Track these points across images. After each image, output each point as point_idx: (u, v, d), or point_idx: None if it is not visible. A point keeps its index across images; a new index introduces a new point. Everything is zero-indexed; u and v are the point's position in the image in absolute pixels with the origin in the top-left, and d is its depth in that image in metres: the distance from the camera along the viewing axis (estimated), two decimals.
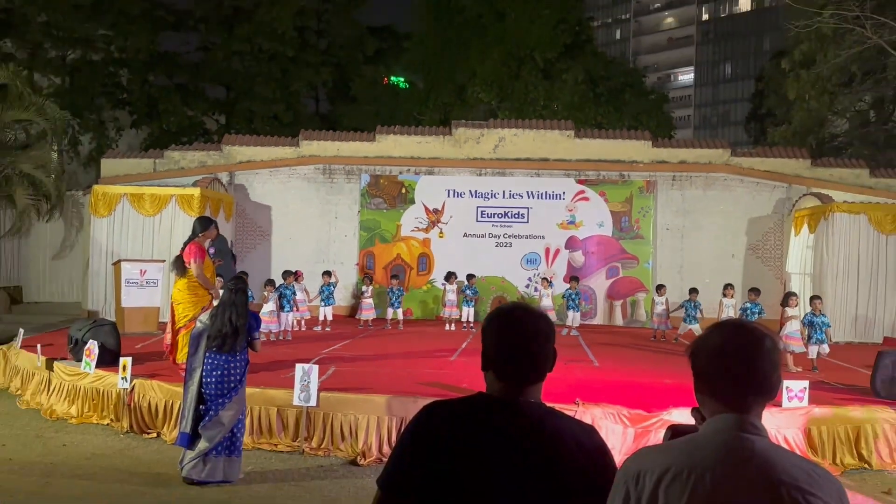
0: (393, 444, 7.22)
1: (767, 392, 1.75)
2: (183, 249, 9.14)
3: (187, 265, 8.96)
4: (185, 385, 6.67)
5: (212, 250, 12.30)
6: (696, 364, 1.82)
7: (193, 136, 27.30)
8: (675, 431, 2.05)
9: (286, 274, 13.28)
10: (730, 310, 12.85)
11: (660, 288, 14.40)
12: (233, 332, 6.47)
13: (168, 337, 9.40)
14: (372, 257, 17.10)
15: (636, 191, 16.71)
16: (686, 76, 79.43)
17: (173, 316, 9.14)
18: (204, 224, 9.25)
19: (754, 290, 12.47)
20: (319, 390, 7.57)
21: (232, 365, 6.48)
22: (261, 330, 11.51)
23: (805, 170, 16.38)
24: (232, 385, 6.48)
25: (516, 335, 2.05)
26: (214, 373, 6.45)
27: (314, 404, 7.51)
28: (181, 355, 8.65)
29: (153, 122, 27.05)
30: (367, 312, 14.52)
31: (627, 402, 7.69)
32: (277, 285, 12.84)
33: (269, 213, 17.19)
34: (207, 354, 6.49)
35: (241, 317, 6.53)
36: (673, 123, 30.41)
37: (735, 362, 1.75)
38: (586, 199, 16.80)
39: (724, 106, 74.71)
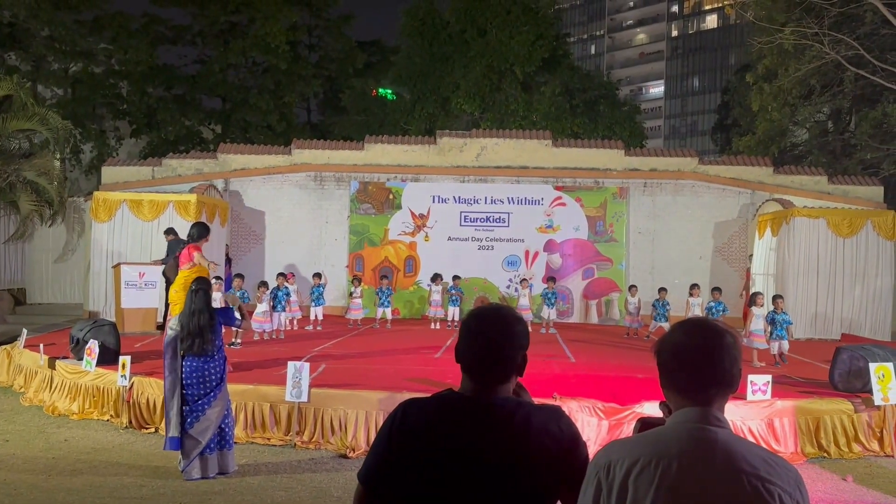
0: None
1: (728, 385, 1.75)
2: (179, 253, 9.07)
3: (182, 266, 8.83)
4: (166, 390, 6.52)
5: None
6: (661, 360, 1.82)
7: (190, 145, 27.28)
8: (644, 424, 2.06)
9: (277, 276, 13.29)
10: (696, 308, 12.93)
11: (632, 288, 14.50)
12: (198, 332, 6.27)
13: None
14: (361, 260, 17.09)
15: (610, 197, 16.80)
16: (657, 89, 79.93)
17: (167, 316, 9.07)
18: (201, 231, 9.10)
19: (717, 290, 12.71)
20: (310, 387, 7.54)
21: (210, 366, 6.35)
22: (253, 328, 11.60)
23: (768, 177, 16.52)
24: (213, 384, 6.37)
25: (490, 338, 2.01)
26: (194, 375, 6.32)
27: (305, 400, 7.48)
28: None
29: (152, 132, 26.97)
30: (356, 312, 14.49)
31: (602, 395, 7.71)
32: (271, 287, 12.82)
33: (262, 218, 17.16)
34: (185, 359, 6.35)
35: (203, 317, 6.33)
36: (644, 133, 30.53)
37: (697, 358, 1.75)
38: (563, 204, 16.89)
39: (693, 117, 75.25)
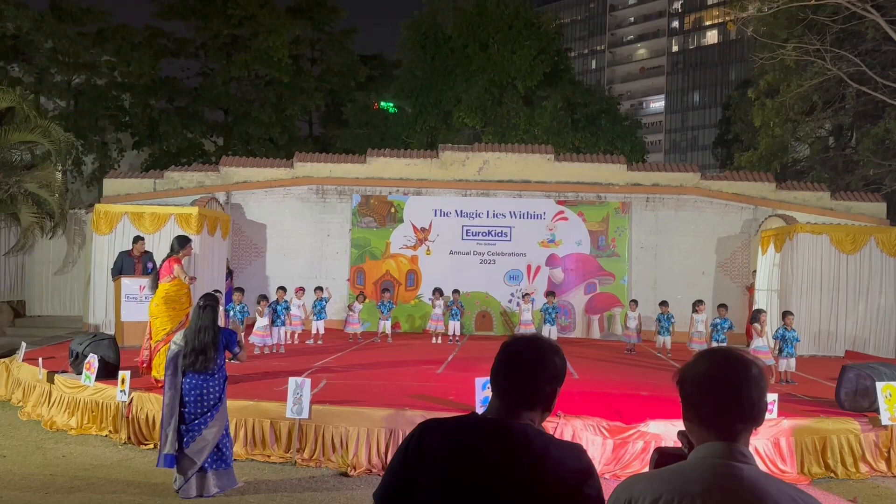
0: (382, 456, 7.23)
1: (755, 419, 1.70)
2: (160, 266, 9.09)
3: (162, 279, 8.87)
4: (164, 407, 6.39)
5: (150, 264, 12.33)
6: (684, 392, 1.78)
7: (192, 158, 27.29)
8: (661, 454, 1.99)
9: (278, 290, 13.24)
10: (700, 325, 12.83)
11: (632, 303, 14.42)
12: (202, 349, 6.22)
13: (144, 353, 9.21)
14: (362, 273, 17.10)
15: (612, 211, 16.81)
16: (657, 103, 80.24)
17: (151, 330, 9.00)
18: (181, 242, 9.15)
19: (723, 306, 12.52)
20: (311, 403, 7.45)
21: (210, 384, 6.27)
22: (253, 343, 11.83)
23: (770, 192, 16.50)
24: (212, 403, 6.29)
25: (523, 360, 2.04)
26: (193, 392, 6.24)
27: (306, 417, 7.37)
28: (159, 371, 8.36)
29: (154, 144, 26.97)
30: (353, 326, 14.45)
31: (606, 413, 7.62)
32: (270, 301, 12.79)
33: (264, 231, 17.18)
34: (186, 375, 6.26)
35: (208, 333, 6.28)
36: (646, 148, 30.60)
37: (723, 390, 1.71)
38: (565, 219, 16.89)
39: (693, 131, 75.49)
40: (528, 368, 2.03)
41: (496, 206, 16.91)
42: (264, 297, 12.56)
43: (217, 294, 10.14)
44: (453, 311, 14.73)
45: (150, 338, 8.99)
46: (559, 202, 16.90)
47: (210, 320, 6.38)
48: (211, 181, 17.06)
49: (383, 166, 17.08)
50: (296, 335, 13.76)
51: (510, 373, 2.03)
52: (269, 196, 17.19)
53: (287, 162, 17.54)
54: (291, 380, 7.50)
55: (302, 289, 14.12)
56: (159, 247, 14.05)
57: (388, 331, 14.62)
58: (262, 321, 12.17)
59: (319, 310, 14.05)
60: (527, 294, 15.21)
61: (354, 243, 17.12)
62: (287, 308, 13.10)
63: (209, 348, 6.26)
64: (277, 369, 10.06)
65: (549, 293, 15.04)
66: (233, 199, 17.12)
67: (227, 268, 16.17)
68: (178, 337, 6.49)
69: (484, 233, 16.93)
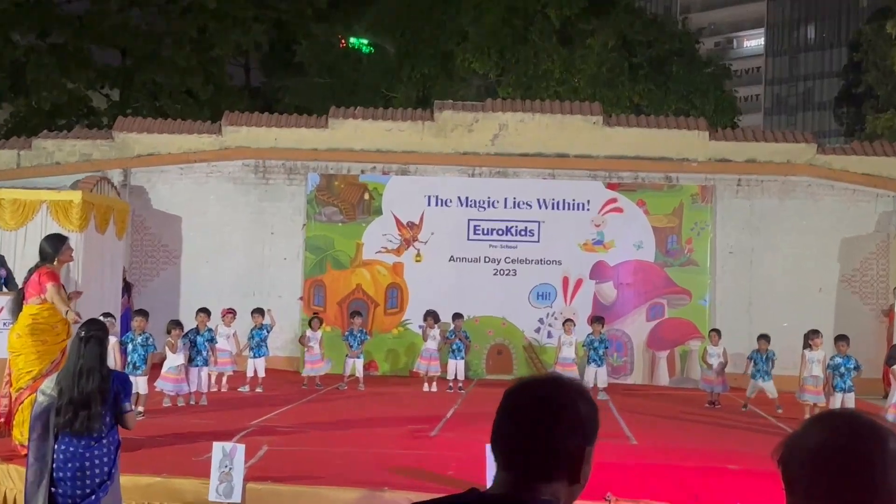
0: None
1: None
2: (26, 280, 9.00)
3: (28, 300, 8.81)
4: (27, 485, 6.24)
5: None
6: (790, 473, 1.79)
7: (75, 119, 27.14)
8: None
9: (199, 312, 13.16)
10: (815, 366, 12.76)
11: (715, 334, 14.43)
12: (83, 401, 6.10)
13: (1, 403, 9.18)
14: (322, 289, 16.95)
15: (687, 200, 16.73)
16: (754, 42, 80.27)
17: (10, 373, 8.93)
18: (54, 245, 9.14)
19: (843, 339, 12.45)
20: (246, 480, 7.41)
21: (95, 453, 6.16)
22: (162, 390, 11.72)
23: None
24: (98, 481, 6.15)
25: (529, 415, 2.04)
26: (70, 465, 6.09)
27: (237, 500, 7.31)
28: (22, 432, 8.22)
29: (18, 98, 26.82)
30: (313, 366, 14.39)
31: (677, 496, 7.61)
32: (187, 330, 12.67)
33: (178, 227, 17.14)
34: (60, 439, 6.12)
35: (93, 378, 6.18)
36: (737, 107, 30.59)
37: (844, 473, 1.71)
38: (619, 210, 16.69)
39: (806, 83, 75.59)
40: (540, 420, 2.01)
41: (518, 190, 16.72)
42: (177, 324, 12.43)
43: (107, 320, 9.96)
44: (455, 346, 14.61)
45: (10, 383, 8.88)
46: (610, 185, 16.73)
47: (96, 359, 6.29)
48: (101, 153, 16.96)
49: (353, 132, 16.95)
50: (224, 378, 13.67)
51: (514, 428, 2.03)
52: (187, 175, 17.12)
53: (213, 126, 17.43)
54: (217, 446, 7.46)
55: (232, 311, 14.02)
56: (23, 250, 13.91)
57: (360, 373, 14.52)
58: (174, 359, 12.02)
59: (258, 342, 13.95)
60: (568, 320, 15.08)
61: (311, 245, 17.01)
62: (212, 339, 13.01)
63: (94, 400, 6.14)
64: (197, 430, 9.96)
65: (596, 319, 14.90)
66: (133, 178, 17.05)
67: (124, 280, 15.99)
68: (48, 383, 6.39)
69: (500, 230, 16.76)
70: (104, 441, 6.23)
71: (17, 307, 8.92)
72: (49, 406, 6.23)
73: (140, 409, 11.06)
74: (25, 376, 8.71)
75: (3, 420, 9.08)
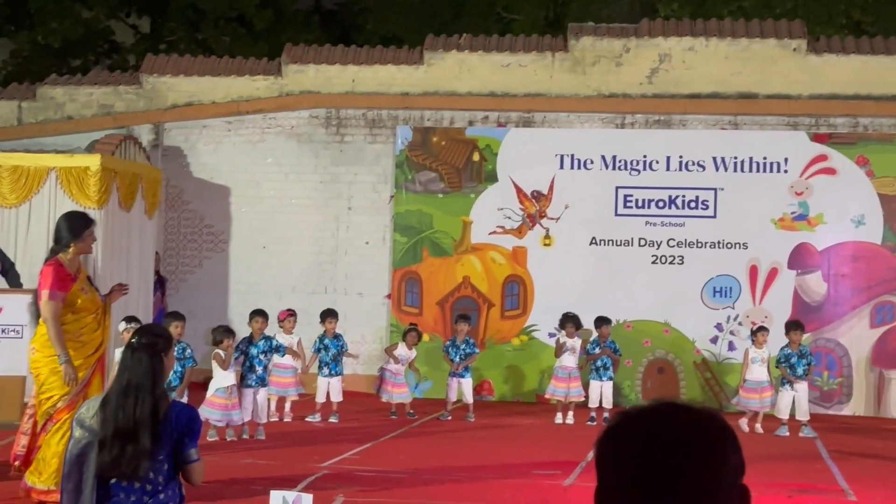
0: None
1: None
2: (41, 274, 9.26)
3: (42, 300, 8.81)
4: None
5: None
6: None
7: (92, 58, 26.82)
8: None
9: (255, 315, 12.71)
10: None
11: None
12: (131, 432, 5.54)
13: (20, 440, 8.97)
14: (416, 284, 16.25)
15: None
16: None
17: (35, 395, 9.03)
18: (74, 226, 8.90)
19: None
20: None
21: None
22: (208, 419, 11.65)
23: None
24: None
25: (646, 464, 1.80)
26: None
27: None
28: (40, 474, 8.32)
29: (19, 33, 26.00)
30: (397, 391, 13.86)
31: None
32: (238, 339, 12.53)
33: (225, 201, 16.73)
34: (105, 489, 5.64)
35: (142, 399, 5.63)
36: None
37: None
38: (831, 170, 15.39)
39: None
40: (674, 478, 1.78)
41: (686, 146, 15.67)
42: (227, 332, 12.24)
43: (130, 327, 10.38)
44: (600, 362, 13.84)
45: (36, 409, 8.81)
46: (817, 137, 15.47)
47: (147, 375, 5.78)
48: (126, 103, 16.77)
49: (457, 70, 16.32)
50: (287, 404, 13.51)
51: (635, 489, 1.81)
52: (237, 132, 16.60)
53: (271, 65, 16.97)
54: (276, 495, 7.64)
55: (292, 313, 13.56)
56: (27, 233, 14.30)
57: (468, 398, 13.94)
58: (223, 378, 11.69)
59: (334, 356, 13.59)
60: (761, 329, 13.72)
61: (401, 224, 16.27)
62: (273, 349, 12.59)
63: (143, 429, 5.61)
64: (251, 473, 10.16)
65: (795, 325, 13.83)
66: (167, 137, 16.75)
67: (156, 272, 15.80)
68: (86, 411, 5.97)
69: (661, 202, 15.67)
70: (161, 497, 5.83)
71: (35, 310, 9.01)
72: (87, 443, 5.82)
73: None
74: (46, 403, 8.64)
75: (18, 463, 9.00)
